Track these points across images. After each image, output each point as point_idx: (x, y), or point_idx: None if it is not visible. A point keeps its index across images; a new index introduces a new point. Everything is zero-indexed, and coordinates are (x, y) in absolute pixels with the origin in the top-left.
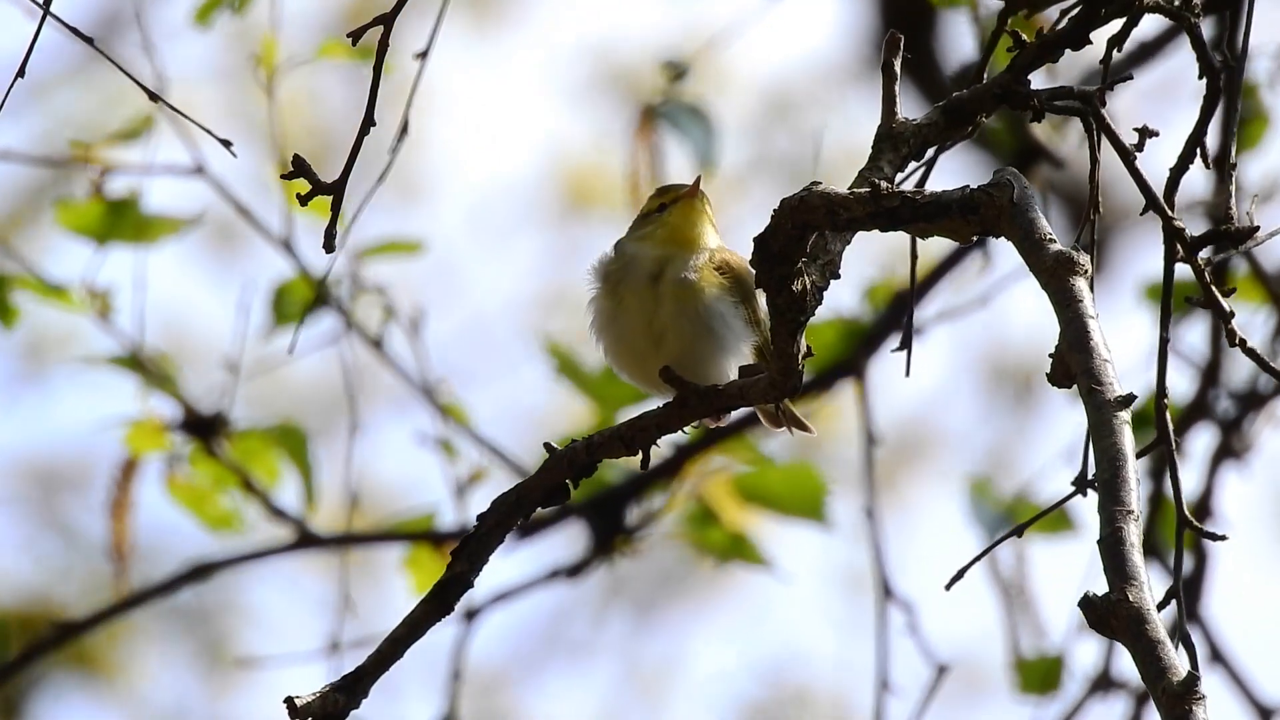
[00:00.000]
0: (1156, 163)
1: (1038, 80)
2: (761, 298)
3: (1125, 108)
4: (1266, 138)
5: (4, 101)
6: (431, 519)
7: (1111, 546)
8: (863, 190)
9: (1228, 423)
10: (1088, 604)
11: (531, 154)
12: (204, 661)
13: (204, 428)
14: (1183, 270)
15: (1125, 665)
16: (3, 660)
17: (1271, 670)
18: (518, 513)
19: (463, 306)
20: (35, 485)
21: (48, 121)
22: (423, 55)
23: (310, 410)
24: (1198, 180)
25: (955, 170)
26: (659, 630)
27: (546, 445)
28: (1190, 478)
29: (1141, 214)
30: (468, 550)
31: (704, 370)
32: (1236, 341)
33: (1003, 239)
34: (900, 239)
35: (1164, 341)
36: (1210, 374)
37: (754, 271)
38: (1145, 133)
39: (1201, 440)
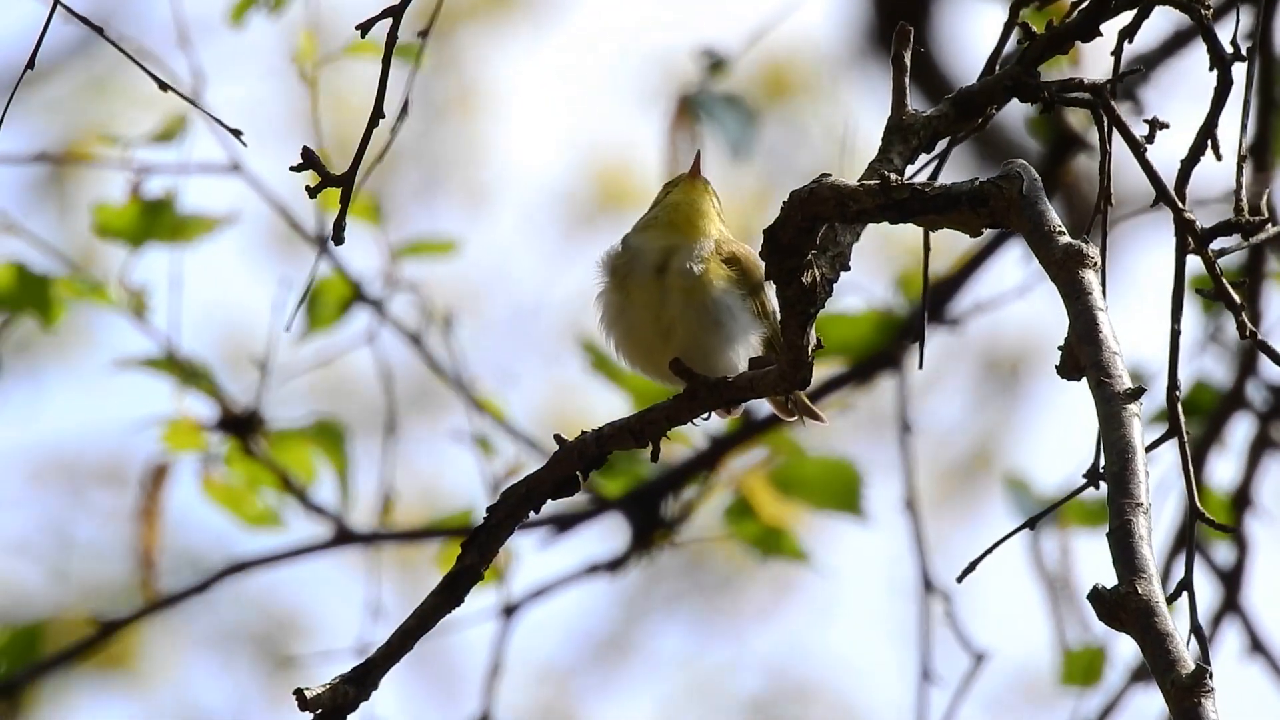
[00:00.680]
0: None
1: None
2: (771, 290)
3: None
4: None
5: (14, 94)
6: (469, 515)
7: (1120, 539)
8: (872, 182)
9: (1266, 412)
10: (1097, 597)
11: (576, 154)
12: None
13: (241, 426)
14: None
15: None
16: (37, 659)
17: None
18: (528, 505)
19: (508, 304)
20: (58, 486)
21: (47, 117)
22: (423, 34)
23: (353, 409)
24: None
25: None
26: (691, 629)
27: (556, 437)
28: (1230, 468)
29: (1152, 206)
30: (477, 542)
31: (712, 363)
32: (1247, 334)
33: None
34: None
35: (1175, 334)
36: (1248, 364)
37: (763, 264)
38: (1155, 124)
39: (1240, 430)
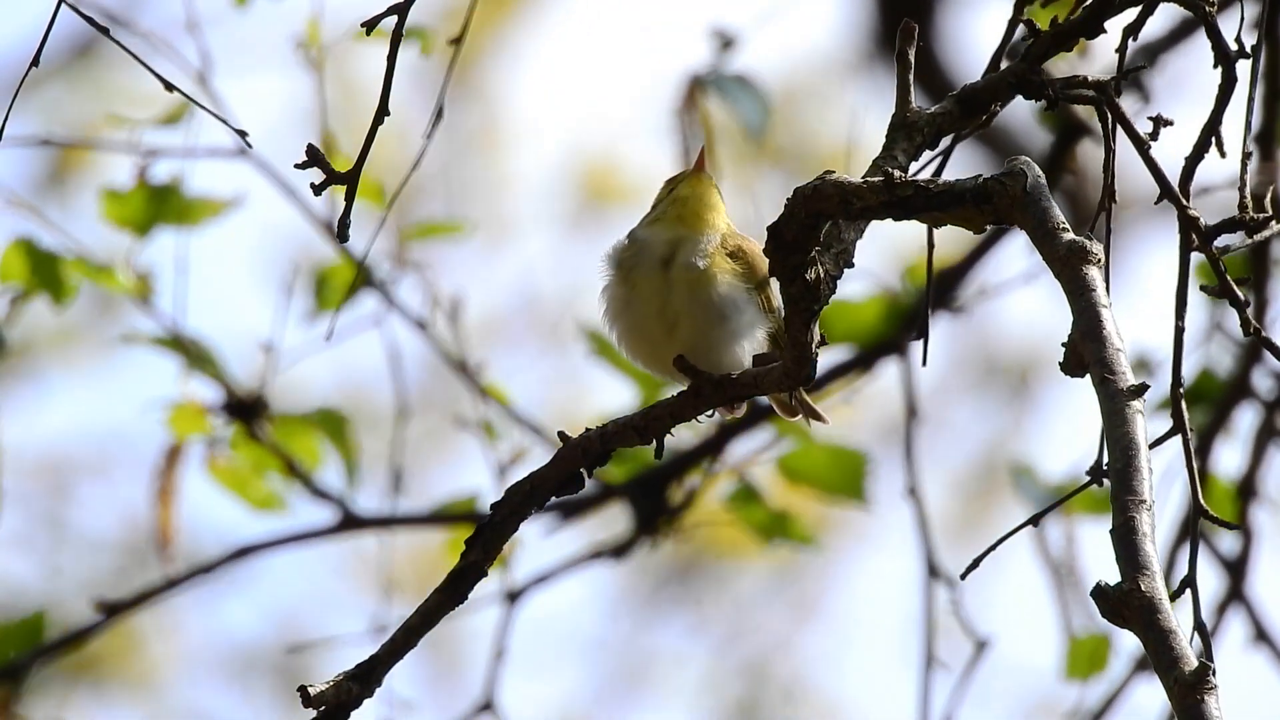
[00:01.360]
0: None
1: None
2: (775, 286)
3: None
4: None
5: (19, 88)
6: (474, 501)
7: (1124, 536)
8: (876, 179)
9: (1272, 401)
10: (1100, 593)
11: (579, 156)
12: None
13: (246, 411)
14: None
15: None
16: (41, 644)
17: None
18: (532, 502)
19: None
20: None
21: (49, 117)
22: (457, 41)
23: (357, 394)
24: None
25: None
26: (658, 626)
27: (560, 434)
28: (1236, 457)
29: (1156, 202)
30: (482, 539)
31: (717, 357)
32: (1252, 330)
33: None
34: None
35: (1179, 330)
36: (1254, 353)
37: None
38: (1160, 121)
39: (1246, 420)
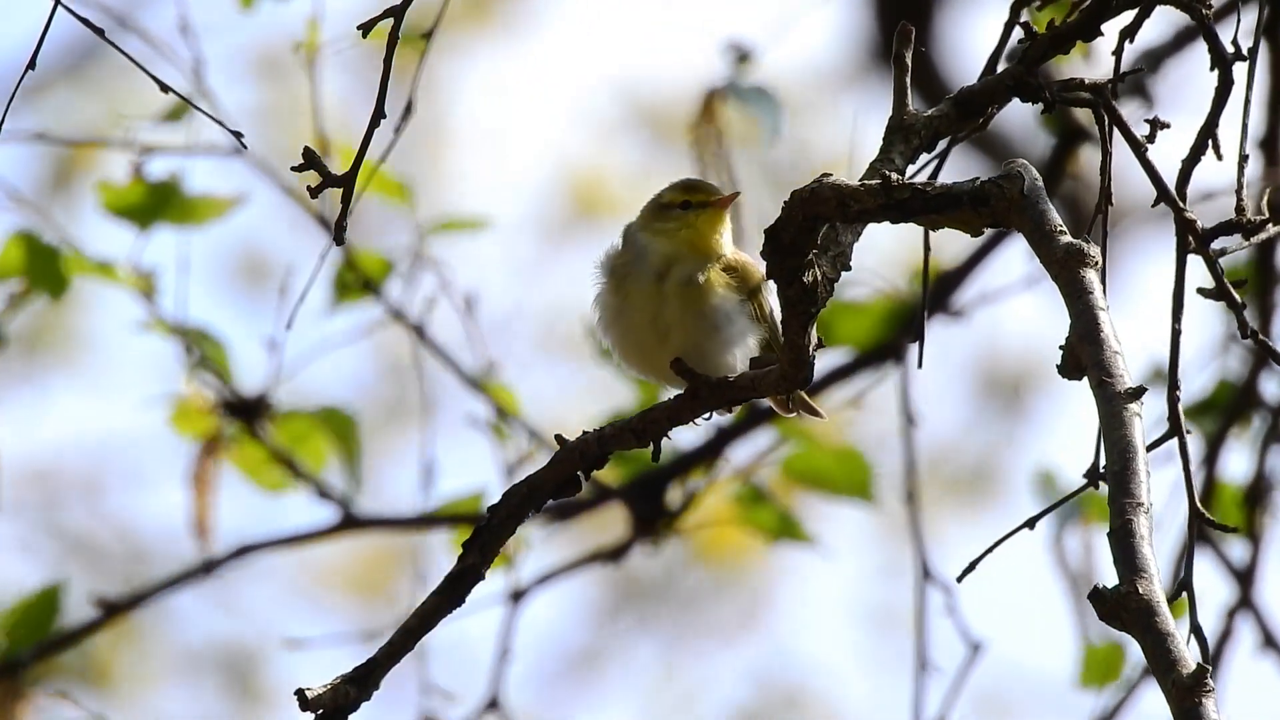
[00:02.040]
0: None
1: None
2: (772, 289)
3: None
4: None
5: (16, 90)
6: (479, 501)
7: (1122, 539)
8: (873, 182)
9: (1277, 408)
10: (1098, 596)
11: (548, 171)
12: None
13: (247, 410)
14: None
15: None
16: (49, 637)
17: None
18: (529, 505)
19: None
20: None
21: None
22: (427, 36)
23: (362, 396)
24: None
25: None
26: (661, 640)
27: (557, 437)
28: (1243, 463)
29: (1153, 205)
30: (479, 542)
31: (709, 366)
32: (1248, 333)
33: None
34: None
35: (1176, 333)
36: (1260, 359)
37: (762, 265)
38: (1156, 124)
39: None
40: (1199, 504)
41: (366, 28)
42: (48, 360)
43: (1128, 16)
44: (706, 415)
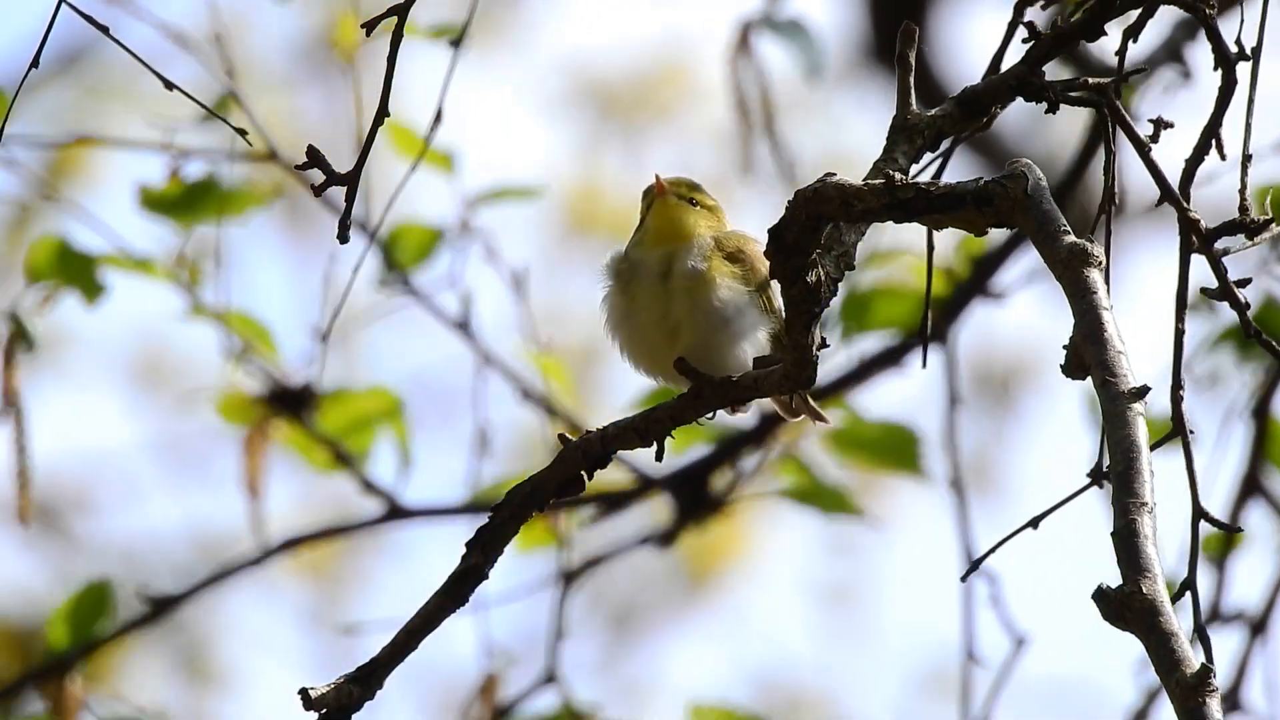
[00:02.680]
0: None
1: None
2: (776, 289)
3: None
4: None
5: (19, 90)
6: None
7: (1125, 539)
8: (877, 182)
9: None
10: (1101, 596)
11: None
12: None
13: (293, 400)
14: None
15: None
16: (98, 634)
17: None
18: (532, 504)
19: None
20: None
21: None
22: (456, 43)
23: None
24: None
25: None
26: (640, 641)
27: (561, 436)
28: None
29: (1156, 205)
30: (482, 541)
31: (720, 361)
32: (1252, 333)
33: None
34: None
35: (1179, 333)
36: None
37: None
38: (1160, 124)
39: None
40: (1202, 504)
41: (370, 26)
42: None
43: (1131, 16)
44: (710, 415)
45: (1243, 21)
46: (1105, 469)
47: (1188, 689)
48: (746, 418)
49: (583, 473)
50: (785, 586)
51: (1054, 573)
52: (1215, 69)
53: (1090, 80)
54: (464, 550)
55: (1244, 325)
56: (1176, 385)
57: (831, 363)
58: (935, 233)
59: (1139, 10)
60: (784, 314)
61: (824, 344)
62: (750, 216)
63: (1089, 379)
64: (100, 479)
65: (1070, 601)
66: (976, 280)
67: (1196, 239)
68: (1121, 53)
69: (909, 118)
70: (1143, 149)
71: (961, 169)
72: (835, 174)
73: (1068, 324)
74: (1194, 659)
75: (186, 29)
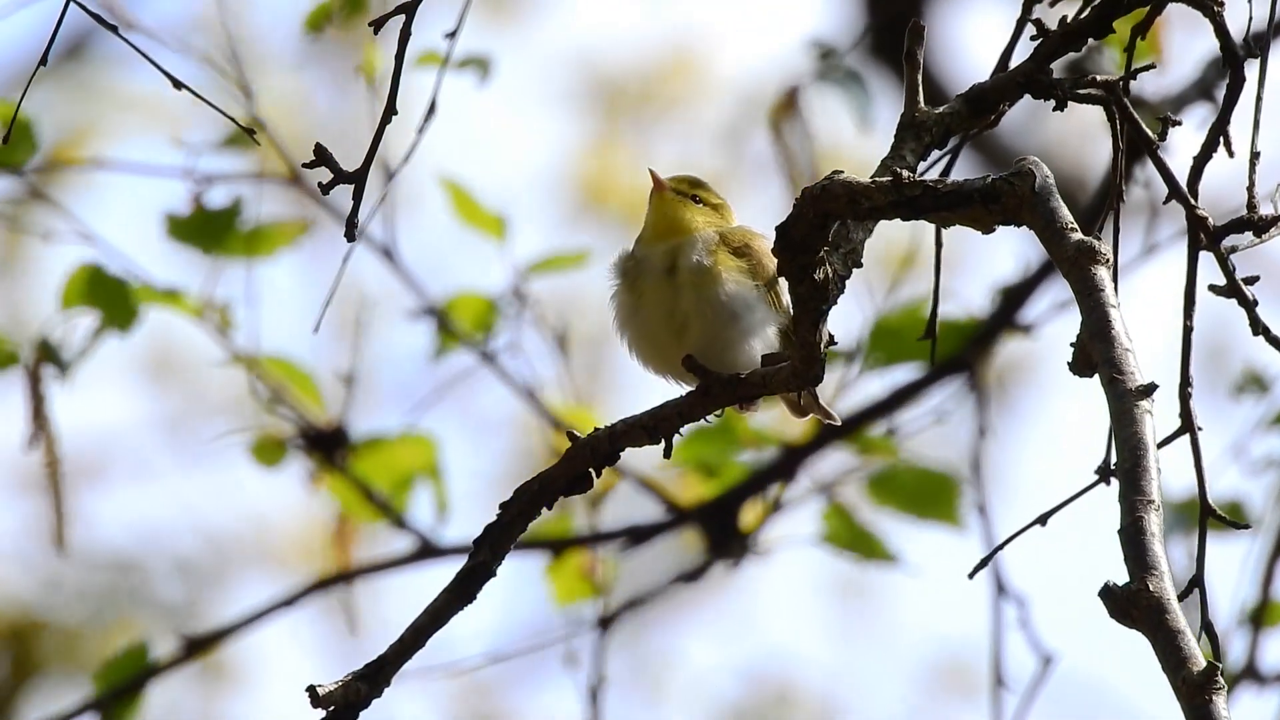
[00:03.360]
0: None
1: None
2: (784, 286)
3: None
4: None
5: (26, 90)
6: (567, 523)
7: (1132, 536)
8: (884, 179)
9: None
10: (1108, 594)
11: (537, 162)
12: None
13: (325, 442)
14: None
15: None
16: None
17: None
18: (540, 502)
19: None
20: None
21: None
22: (451, 35)
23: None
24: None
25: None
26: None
27: (569, 434)
28: None
29: (1165, 203)
30: (490, 539)
31: (729, 356)
32: (1260, 330)
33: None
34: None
35: (1188, 330)
36: None
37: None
38: (1168, 121)
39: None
40: (1210, 501)
41: (378, 24)
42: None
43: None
44: (719, 412)
45: (1250, 19)
46: (1113, 466)
47: (1194, 687)
48: (773, 451)
49: (591, 470)
50: (797, 581)
51: (1077, 581)
52: (1223, 66)
53: (1098, 78)
54: (471, 548)
55: (1253, 323)
56: (1185, 382)
57: (860, 394)
58: (944, 230)
59: (1147, 8)
60: (791, 311)
61: (832, 341)
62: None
63: (1096, 376)
64: (107, 467)
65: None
66: (1005, 312)
67: (1204, 236)
68: (1129, 50)
69: (917, 115)
70: (1150, 146)
71: (963, 168)
72: (842, 171)
73: (1075, 322)
74: (1201, 657)
75: (190, 22)
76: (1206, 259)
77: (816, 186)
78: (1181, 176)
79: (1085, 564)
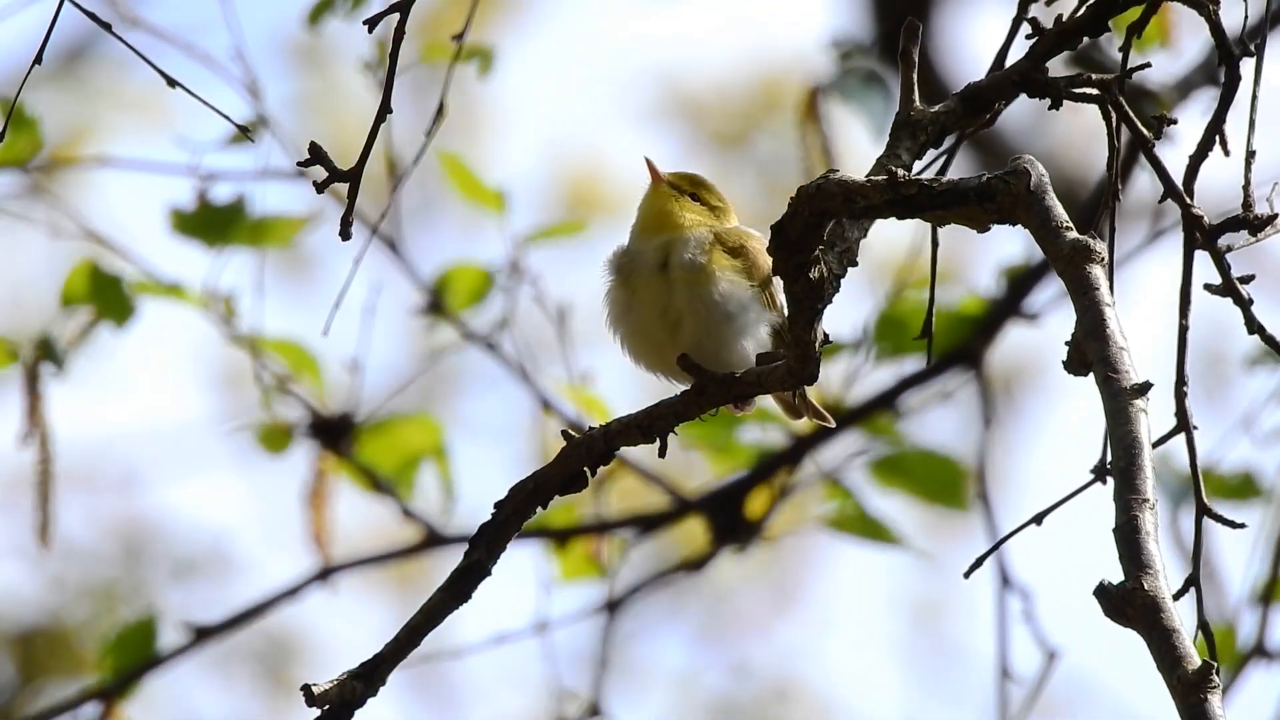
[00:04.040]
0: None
1: None
2: (779, 286)
3: None
4: None
5: (20, 90)
6: (572, 510)
7: (1127, 535)
8: (880, 178)
9: None
10: (1103, 592)
11: (566, 161)
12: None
13: (332, 430)
14: None
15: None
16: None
17: None
18: (535, 500)
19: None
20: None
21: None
22: (458, 37)
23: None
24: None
25: None
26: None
27: (564, 433)
28: None
29: (1160, 201)
30: (485, 538)
31: (723, 355)
32: (1256, 329)
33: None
34: None
35: (1183, 329)
36: None
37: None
38: (1163, 120)
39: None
40: (1205, 499)
41: (372, 23)
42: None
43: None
44: (713, 411)
45: (1246, 17)
46: (1108, 465)
47: (1189, 686)
48: (781, 438)
49: (586, 469)
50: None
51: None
52: (1219, 65)
53: (1094, 76)
54: (467, 547)
55: (1248, 322)
56: (1180, 381)
57: (867, 383)
58: (939, 229)
59: (1143, 6)
60: (787, 310)
61: (826, 340)
62: None
63: (1091, 375)
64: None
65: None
66: (1010, 301)
67: (1200, 235)
68: (1125, 48)
69: (913, 114)
70: (1146, 145)
71: (964, 168)
72: (838, 170)
73: (1071, 320)
74: (1196, 656)
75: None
76: (1202, 258)
77: (812, 185)
78: (1178, 175)
79: (1085, 562)
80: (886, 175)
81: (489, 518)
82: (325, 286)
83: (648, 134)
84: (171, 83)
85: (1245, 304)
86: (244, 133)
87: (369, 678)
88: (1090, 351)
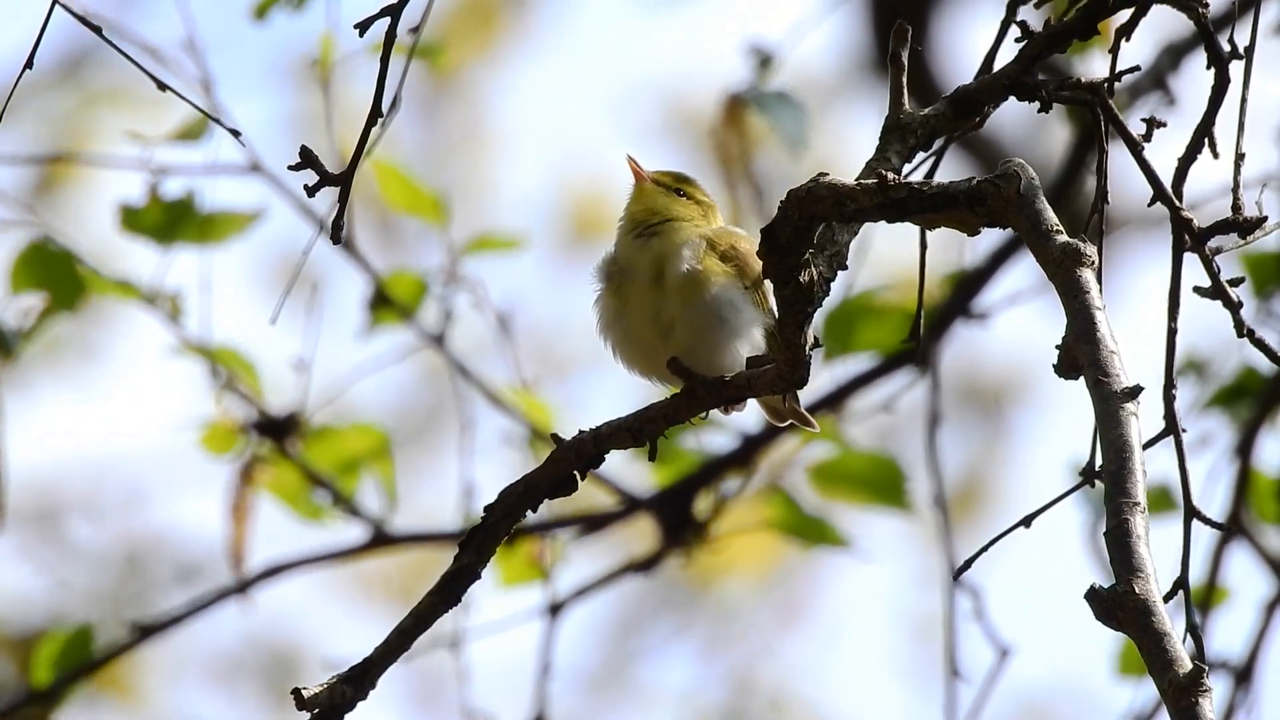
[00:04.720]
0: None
1: None
2: (768, 288)
3: None
4: None
5: (12, 93)
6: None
7: (1118, 538)
8: (869, 181)
9: None
10: (1094, 596)
11: (570, 179)
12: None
13: (278, 430)
14: None
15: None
16: (76, 665)
17: None
18: (525, 504)
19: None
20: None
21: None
22: (415, 30)
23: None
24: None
25: None
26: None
27: (554, 436)
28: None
29: (1149, 204)
30: (475, 542)
31: (716, 359)
32: (1245, 332)
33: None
34: None
35: (1172, 332)
36: None
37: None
38: (1153, 123)
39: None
40: (1194, 502)
41: (363, 27)
42: (58, 370)
43: (1124, 15)
44: (704, 415)
45: (1234, 19)
46: (1098, 468)
47: (1180, 689)
48: (728, 440)
49: (575, 473)
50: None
51: (1036, 582)
52: (1208, 68)
53: (1083, 79)
54: (457, 550)
55: (1237, 324)
56: (1169, 385)
57: (815, 383)
58: (928, 233)
59: (1132, 9)
60: (777, 313)
61: (816, 343)
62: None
63: (1081, 379)
64: (102, 482)
65: (1055, 608)
66: (959, 300)
67: (1189, 238)
68: (1114, 51)
69: (902, 117)
70: (1135, 148)
71: (957, 172)
72: (828, 174)
73: (1061, 325)
74: (1187, 659)
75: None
76: (1191, 260)
77: (802, 189)
78: (1166, 178)
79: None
80: (876, 179)
81: (479, 521)
82: (327, 292)
83: (653, 152)
84: (161, 86)
85: (1234, 307)
86: (234, 135)
87: (358, 681)
88: (1081, 355)
